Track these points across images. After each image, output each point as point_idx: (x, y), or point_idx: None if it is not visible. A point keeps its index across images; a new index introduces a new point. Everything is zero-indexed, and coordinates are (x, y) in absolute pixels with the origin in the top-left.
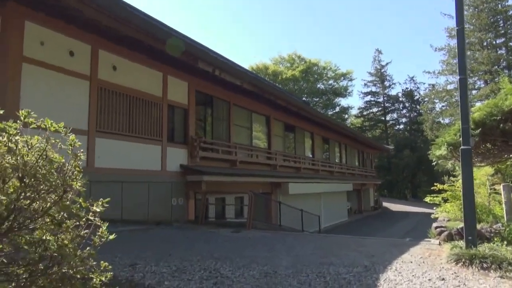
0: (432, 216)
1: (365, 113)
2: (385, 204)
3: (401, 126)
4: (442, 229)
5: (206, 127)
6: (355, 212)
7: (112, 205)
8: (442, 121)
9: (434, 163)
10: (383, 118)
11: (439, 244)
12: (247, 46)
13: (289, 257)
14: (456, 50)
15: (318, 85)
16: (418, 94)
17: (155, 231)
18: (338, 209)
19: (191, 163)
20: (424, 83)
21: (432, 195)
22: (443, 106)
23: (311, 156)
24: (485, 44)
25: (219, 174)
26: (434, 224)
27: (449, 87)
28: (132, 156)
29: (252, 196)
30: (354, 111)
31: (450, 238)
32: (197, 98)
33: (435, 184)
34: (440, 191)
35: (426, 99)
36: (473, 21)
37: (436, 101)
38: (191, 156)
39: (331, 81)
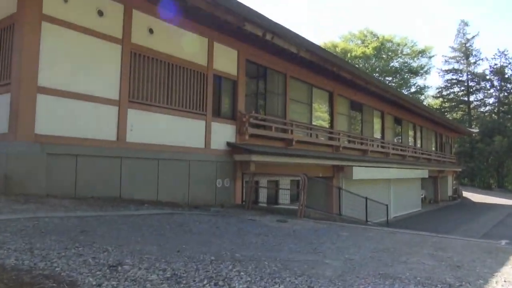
0: None
1: (444, 93)
2: (465, 194)
3: (487, 108)
4: None
5: (258, 102)
6: (430, 202)
7: (146, 185)
8: None
9: None
10: (466, 99)
11: None
12: (314, 24)
13: (338, 261)
14: None
15: (392, 63)
16: (510, 71)
17: (182, 217)
18: (411, 197)
19: (240, 140)
20: None
21: None
22: None
23: (380, 137)
24: None
25: (270, 154)
26: None
27: None
28: (171, 131)
29: (305, 179)
30: (432, 92)
31: None
32: (249, 68)
33: None
34: None
35: None
36: None
37: None
38: (240, 133)
39: (407, 59)
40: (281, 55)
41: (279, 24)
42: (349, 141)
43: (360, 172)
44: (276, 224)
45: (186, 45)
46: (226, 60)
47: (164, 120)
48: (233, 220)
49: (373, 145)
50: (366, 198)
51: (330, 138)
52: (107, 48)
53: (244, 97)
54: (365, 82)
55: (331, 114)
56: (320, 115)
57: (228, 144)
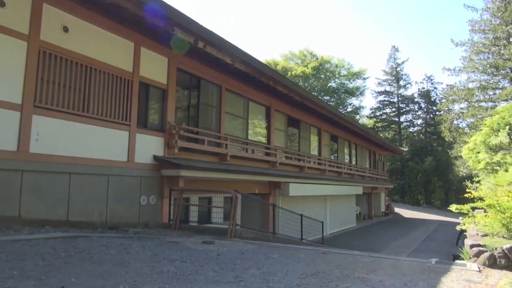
0: (458, 227)
1: (378, 113)
2: (397, 209)
3: (416, 128)
4: (481, 248)
5: (190, 114)
6: (365, 218)
7: (53, 202)
8: (461, 123)
9: (457, 166)
10: (397, 119)
11: (479, 270)
12: (255, 42)
13: None
14: (479, 45)
15: (330, 84)
16: (435, 95)
17: (87, 241)
18: (346, 214)
19: (168, 154)
20: (442, 83)
21: (459, 203)
22: (462, 108)
23: (317, 154)
24: None
25: (201, 169)
26: (468, 242)
27: (471, 85)
28: (87, 142)
29: (236, 196)
30: (366, 111)
31: (493, 261)
32: (180, 78)
33: (467, 189)
34: (472, 199)
35: (444, 99)
36: (499, 14)
37: (456, 99)
38: (169, 146)
39: (343, 80)
40: (216, 66)
41: (213, 32)
42: (286, 157)
43: (297, 188)
44: (200, 247)
45: (109, 48)
46: (155, 68)
47: (78, 130)
48: (151, 244)
49: (310, 161)
50: (302, 215)
51: (267, 154)
52: (9, 44)
53: (174, 108)
54: (302, 98)
55: (268, 129)
56: (257, 131)
57: (155, 157)
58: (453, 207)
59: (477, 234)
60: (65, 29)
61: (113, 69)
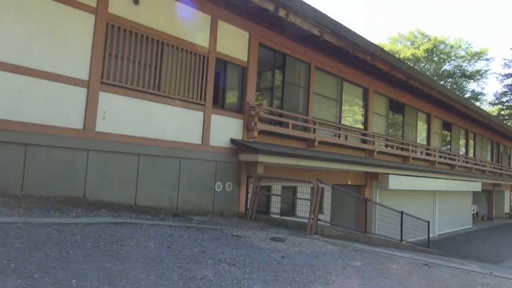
0: None
1: (504, 99)
2: None
3: None
4: None
5: (273, 94)
6: (483, 219)
7: (120, 185)
8: None
9: None
10: None
11: None
12: (359, 26)
13: None
14: None
15: (445, 67)
16: None
17: (134, 229)
18: (460, 213)
19: (247, 138)
20: None
21: None
22: None
23: (425, 143)
24: None
25: (281, 155)
26: None
27: None
28: (158, 122)
29: (318, 186)
30: (489, 98)
31: None
32: (263, 55)
33: None
34: None
35: None
36: None
37: None
38: (248, 129)
39: (460, 62)
40: (303, 40)
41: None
42: (386, 146)
43: (398, 181)
44: (266, 244)
45: (183, 21)
46: (234, 43)
47: (149, 109)
48: (207, 236)
49: (416, 151)
50: (402, 213)
51: (363, 141)
52: (76, 17)
53: (255, 87)
54: (406, 76)
55: (365, 114)
56: (352, 115)
57: (232, 141)
58: None
59: None
60: (135, 1)
61: (187, 44)
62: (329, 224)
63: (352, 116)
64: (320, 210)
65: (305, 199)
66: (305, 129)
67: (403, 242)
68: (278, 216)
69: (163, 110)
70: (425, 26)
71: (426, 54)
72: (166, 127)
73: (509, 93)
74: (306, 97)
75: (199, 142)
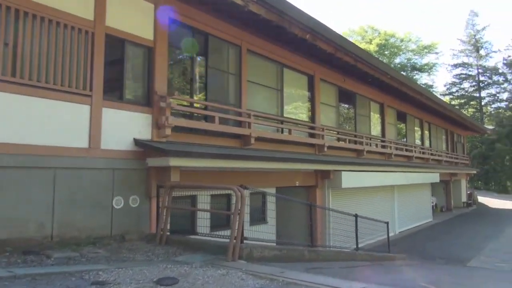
0: None
1: (453, 89)
2: (481, 199)
3: (502, 104)
4: None
5: (194, 82)
6: (442, 210)
7: None
8: None
9: None
10: (477, 95)
11: None
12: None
13: None
14: None
15: (396, 60)
16: None
17: None
18: (420, 207)
19: (158, 136)
20: None
21: None
22: None
23: (380, 135)
24: None
25: (203, 156)
26: None
27: None
28: (16, 120)
29: (240, 195)
30: (440, 90)
31: None
32: (178, 33)
33: None
34: None
35: None
36: None
37: None
38: (158, 126)
39: (411, 55)
40: (229, 17)
41: None
42: (338, 140)
43: (352, 178)
44: None
45: None
46: (134, 17)
47: (5, 103)
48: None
49: (370, 144)
50: (356, 216)
51: (311, 135)
52: None
53: (166, 74)
54: (354, 59)
55: (312, 105)
56: (297, 106)
57: (137, 142)
58: None
59: None
60: None
61: (58, 14)
62: (258, 243)
63: (297, 107)
64: (262, 220)
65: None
66: (239, 124)
67: (359, 251)
68: (200, 237)
69: (28, 104)
70: (375, 20)
71: (378, 48)
72: (31, 127)
73: (457, 83)
74: (238, 86)
75: (85, 145)
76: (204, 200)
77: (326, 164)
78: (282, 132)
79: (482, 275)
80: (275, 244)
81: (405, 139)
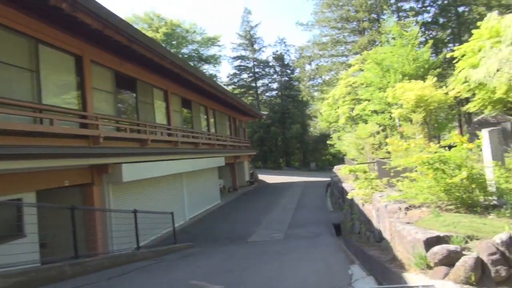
0: (350, 195)
1: (235, 80)
2: (261, 176)
3: (273, 93)
4: (450, 248)
5: None
6: (229, 191)
7: None
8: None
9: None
10: (254, 85)
11: None
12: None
13: None
14: None
15: (183, 50)
16: (288, 58)
17: None
18: (208, 191)
19: None
20: (294, 46)
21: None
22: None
23: (165, 123)
24: None
25: None
26: (418, 235)
27: (324, 39)
28: None
29: None
30: (224, 80)
31: (480, 273)
32: None
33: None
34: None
35: (300, 57)
36: None
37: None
38: None
39: (196, 46)
40: None
41: None
42: (118, 129)
43: (134, 170)
44: None
45: None
46: None
47: None
48: None
49: (156, 132)
50: (135, 212)
51: (83, 126)
52: None
53: None
54: (128, 40)
55: (83, 90)
56: (62, 91)
57: None
58: (343, 171)
59: (400, 209)
60: None
61: None
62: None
63: (63, 93)
64: (15, 236)
65: None
66: None
67: (140, 250)
68: None
69: None
70: (160, 8)
71: (165, 38)
72: None
73: (238, 74)
74: None
75: None
76: None
77: (103, 157)
78: (41, 122)
79: (258, 251)
80: (38, 264)
81: (192, 126)
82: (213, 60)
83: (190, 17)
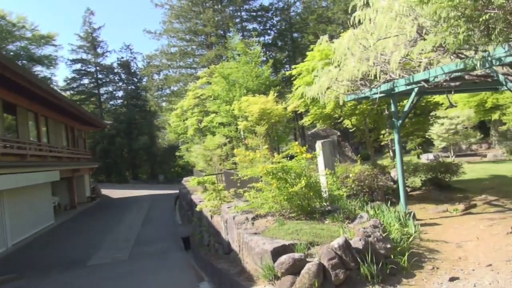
0: (198, 208)
1: (74, 85)
2: (104, 191)
3: (118, 101)
4: (295, 257)
5: None
6: (66, 208)
7: None
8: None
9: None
10: (97, 91)
11: None
12: None
13: None
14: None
15: (8, 47)
16: (135, 65)
17: None
18: (38, 210)
19: None
20: (141, 53)
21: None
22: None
23: None
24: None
25: None
26: (266, 246)
27: (173, 50)
28: None
29: None
30: (61, 84)
31: (322, 278)
32: None
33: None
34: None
35: (147, 66)
36: None
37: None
38: None
39: (27, 43)
40: None
41: None
42: None
43: None
44: None
45: None
46: None
47: None
48: None
49: None
50: None
51: None
52: None
53: None
54: None
55: None
56: None
57: None
58: (192, 183)
59: (247, 219)
60: None
61: None
62: None
63: None
64: None
65: None
66: None
67: None
68: None
69: None
70: None
71: None
72: None
73: (78, 78)
74: None
75: None
76: None
77: None
78: None
79: (97, 277)
80: None
81: (17, 135)
82: (48, 61)
83: (21, 10)
